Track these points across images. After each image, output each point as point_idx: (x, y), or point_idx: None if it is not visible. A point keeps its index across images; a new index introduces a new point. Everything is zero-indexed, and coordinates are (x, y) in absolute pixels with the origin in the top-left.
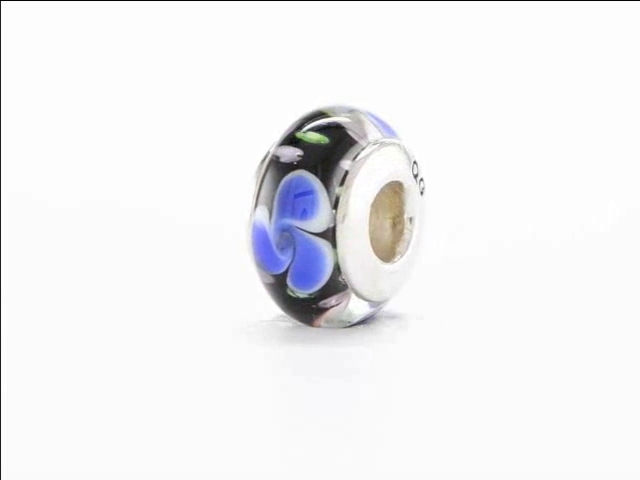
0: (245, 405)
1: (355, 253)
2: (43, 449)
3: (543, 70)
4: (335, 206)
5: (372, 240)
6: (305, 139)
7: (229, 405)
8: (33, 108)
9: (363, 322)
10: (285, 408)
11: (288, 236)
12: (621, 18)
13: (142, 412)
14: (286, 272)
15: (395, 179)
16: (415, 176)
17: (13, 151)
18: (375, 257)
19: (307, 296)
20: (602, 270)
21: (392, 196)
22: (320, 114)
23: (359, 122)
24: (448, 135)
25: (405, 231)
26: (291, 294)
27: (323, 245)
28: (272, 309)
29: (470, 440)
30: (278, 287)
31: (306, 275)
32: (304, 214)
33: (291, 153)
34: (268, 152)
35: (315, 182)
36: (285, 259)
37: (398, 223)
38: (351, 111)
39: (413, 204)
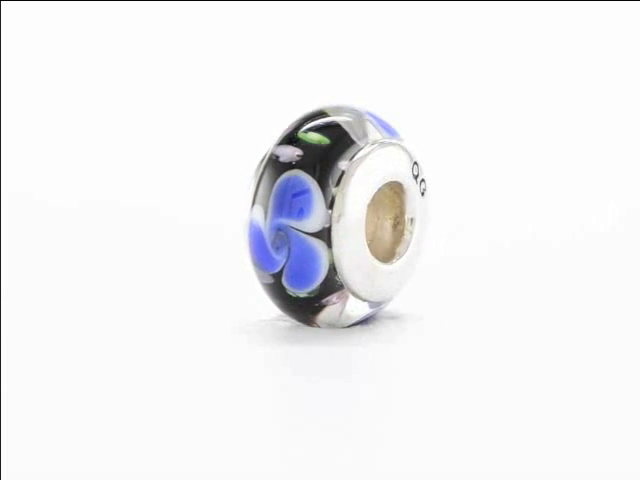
0: (245, 405)
1: (351, 253)
2: (41, 448)
3: (544, 71)
4: (331, 206)
5: (373, 240)
6: (306, 139)
7: (229, 405)
8: (33, 108)
9: (363, 322)
10: (285, 408)
11: (283, 236)
12: (621, 18)
13: (141, 412)
14: (281, 272)
15: (394, 179)
16: (415, 177)
17: (13, 151)
18: (372, 257)
19: (307, 295)
20: (602, 270)
21: (393, 197)
22: (321, 114)
23: (360, 122)
24: (451, 136)
25: (405, 232)
26: (291, 294)
27: (318, 245)
28: (272, 309)
29: (470, 440)
30: (277, 287)
31: (301, 275)
32: (301, 213)
33: (291, 153)
34: (268, 151)
35: (311, 182)
36: (280, 259)
37: (399, 224)
38: (352, 111)
39: (414, 205)
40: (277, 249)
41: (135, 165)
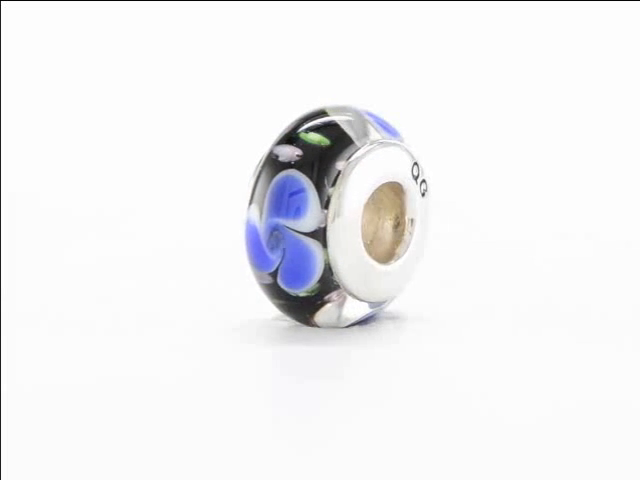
0: (243, 405)
1: (346, 254)
2: (39, 448)
3: (545, 71)
4: (326, 206)
5: (373, 241)
6: (306, 140)
7: (227, 405)
8: (33, 108)
9: (362, 322)
10: (283, 408)
11: (278, 235)
12: (622, 18)
13: (140, 411)
14: (276, 271)
15: (392, 180)
16: (415, 178)
17: (13, 151)
18: (369, 258)
19: (307, 294)
20: (602, 270)
21: (393, 197)
22: (322, 113)
23: (360, 123)
24: (454, 137)
25: (405, 233)
26: (291, 293)
27: (313, 245)
28: (271, 309)
29: (469, 440)
30: (276, 287)
31: (296, 275)
32: (297, 213)
33: (290, 152)
34: (268, 150)
35: (306, 182)
36: (275, 258)
37: (399, 224)
38: (353, 111)
39: (413, 205)
40: (272, 249)
41: (135, 165)
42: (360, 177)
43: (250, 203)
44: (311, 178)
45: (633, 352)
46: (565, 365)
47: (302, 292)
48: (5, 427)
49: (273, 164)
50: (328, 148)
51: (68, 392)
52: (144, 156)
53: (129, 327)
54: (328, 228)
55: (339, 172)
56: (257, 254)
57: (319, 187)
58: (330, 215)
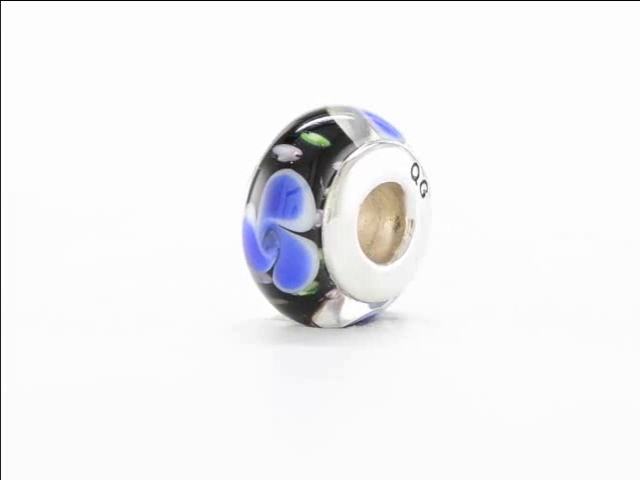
0: (244, 405)
1: (342, 254)
2: (39, 448)
3: (545, 72)
4: (322, 206)
5: (374, 241)
6: (307, 140)
7: (227, 405)
8: (33, 108)
9: (362, 322)
10: (283, 408)
11: (273, 235)
12: (622, 18)
13: (141, 411)
14: (271, 271)
15: (390, 181)
16: (415, 178)
17: (13, 151)
18: (365, 258)
19: (307, 293)
20: (602, 270)
21: (393, 198)
22: (323, 113)
23: (360, 123)
24: (454, 137)
25: (405, 234)
26: (291, 292)
27: (307, 245)
28: (270, 309)
29: (469, 440)
30: (275, 287)
31: (291, 274)
32: (294, 212)
33: (290, 152)
34: (267, 149)
35: (301, 181)
36: (270, 258)
37: (400, 225)
38: (353, 112)
39: (413, 206)
40: (267, 248)
41: (136, 165)
42: (357, 177)
43: (247, 202)
44: (307, 178)
45: (633, 352)
46: (565, 365)
47: (301, 291)
48: (5, 427)
49: (271, 163)
50: (327, 149)
51: (68, 392)
52: (144, 156)
53: (129, 327)
54: (323, 228)
55: (335, 172)
56: (253, 254)
57: (315, 187)
58: (325, 215)
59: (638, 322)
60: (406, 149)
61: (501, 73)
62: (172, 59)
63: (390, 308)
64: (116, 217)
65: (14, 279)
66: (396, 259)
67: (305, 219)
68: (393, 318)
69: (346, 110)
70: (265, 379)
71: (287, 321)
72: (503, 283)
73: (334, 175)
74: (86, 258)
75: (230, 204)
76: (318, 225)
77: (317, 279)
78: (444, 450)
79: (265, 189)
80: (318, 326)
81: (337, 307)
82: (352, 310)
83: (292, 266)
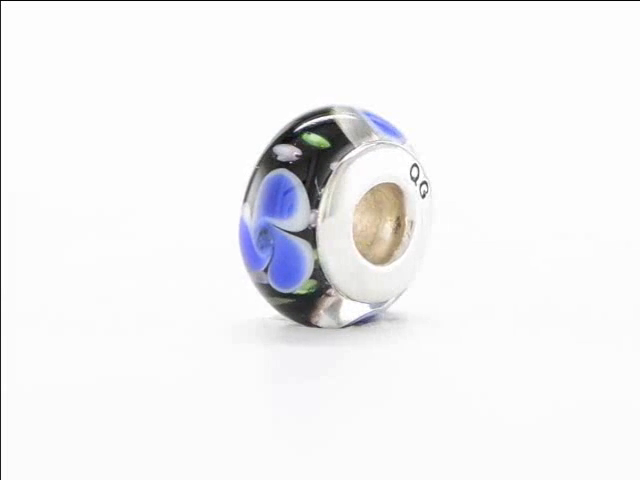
0: (243, 405)
1: (336, 254)
2: (40, 448)
3: (545, 72)
4: (316, 206)
5: (374, 242)
6: (307, 141)
7: (227, 405)
8: (33, 108)
9: (362, 322)
10: (283, 408)
11: (267, 234)
12: (622, 18)
13: (141, 411)
14: (266, 270)
15: (388, 181)
16: (415, 179)
17: (13, 151)
18: (361, 259)
19: (307, 291)
20: (602, 270)
21: (393, 199)
22: (323, 113)
23: (360, 123)
24: (454, 137)
25: (404, 235)
26: (291, 291)
27: (301, 245)
28: (270, 309)
29: (469, 440)
30: (272, 286)
31: (285, 274)
32: (289, 212)
33: (289, 152)
34: (266, 148)
35: (295, 181)
36: (264, 257)
37: (400, 226)
38: (353, 112)
39: (413, 207)
40: (262, 248)
41: (136, 165)
42: (353, 177)
43: (244, 201)
44: (302, 177)
45: (633, 352)
46: (565, 365)
47: (299, 290)
48: (5, 427)
49: (268, 163)
50: (327, 149)
51: (68, 392)
52: (144, 156)
53: (129, 327)
54: (318, 228)
55: (331, 172)
56: (249, 253)
57: (310, 187)
58: (320, 215)
59: (638, 322)
60: (406, 150)
61: (501, 73)
62: (172, 59)
63: (390, 308)
64: (116, 217)
65: (14, 279)
66: (394, 260)
67: (299, 219)
68: (393, 318)
69: (347, 110)
70: (265, 379)
71: (287, 321)
72: (503, 283)
73: (329, 175)
74: (86, 258)
75: (230, 204)
76: (313, 225)
77: (314, 278)
78: (444, 450)
79: (260, 188)
80: (318, 326)
81: (336, 307)
82: (352, 310)
83: (286, 266)
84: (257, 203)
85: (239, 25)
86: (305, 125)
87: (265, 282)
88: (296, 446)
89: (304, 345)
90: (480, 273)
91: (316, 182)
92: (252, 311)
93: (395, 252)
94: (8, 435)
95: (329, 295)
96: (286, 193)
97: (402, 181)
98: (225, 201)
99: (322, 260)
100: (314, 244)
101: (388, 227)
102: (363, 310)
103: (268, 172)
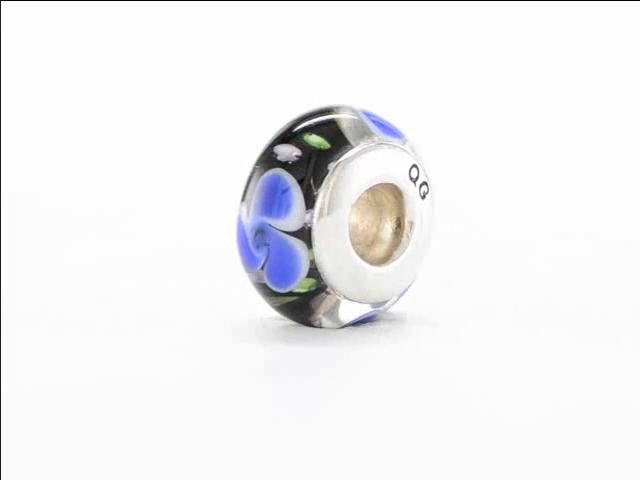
0: (243, 405)
1: (333, 254)
2: (39, 448)
3: (546, 72)
4: (312, 206)
5: (374, 242)
6: (307, 141)
7: (227, 405)
8: (33, 108)
9: (362, 322)
10: (283, 408)
11: (263, 234)
12: (622, 18)
13: (141, 411)
14: (262, 270)
15: (386, 182)
16: (414, 180)
17: (13, 151)
18: (358, 259)
19: (307, 290)
20: (602, 270)
21: (392, 199)
22: (324, 113)
23: (360, 124)
24: (454, 137)
25: (403, 235)
26: (285, 291)
27: (297, 244)
28: (269, 309)
29: (469, 440)
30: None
31: (280, 274)
32: (286, 211)
33: (289, 152)
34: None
35: (291, 181)
36: (260, 257)
37: (400, 227)
38: (354, 112)
39: (412, 208)
40: (257, 247)
41: (136, 165)
42: (349, 177)
43: (242, 201)
44: (298, 177)
45: (633, 352)
46: (565, 365)
47: (297, 288)
48: (5, 427)
49: (268, 163)
50: (326, 150)
51: (68, 392)
52: (144, 156)
53: (129, 327)
54: (314, 228)
55: (327, 172)
56: (245, 252)
57: (306, 187)
58: (316, 215)
59: (638, 322)
60: (405, 150)
61: (501, 74)
62: (171, 59)
63: (390, 308)
64: (116, 217)
65: (14, 279)
66: (393, 261)
67: (295, 218)
68: (393, 318)
69: (347, 110)
70: (265, 379)
71: (286, 321)
72: (503, 283)
73: (325, 175)
74: (86, 258)
75: (230, 203)
76: (308, 225)
77: (311, 277)
78: (444, 450)
79: (257, 188)
80: (317, 326)
81: (336, 307)
82: (351, 310)
83: (281, 265)
84: (254, 202)
85: (239, 25)
86: (305, 125)
87: (262, 282)
88: (296, 446)
89: (304, 345)
90: (480, 273)
91: (312, 182)
92: (252, 311)
93: (394, 253)
94: (8, 435)
95: (329, 293)
96: (283, 193)
97: (401, 182)
98: (225, 201)
99: (318, 260)
100: (309, 244)
101: (388, 228)
102: (363, 310)
103: (266, 172)
